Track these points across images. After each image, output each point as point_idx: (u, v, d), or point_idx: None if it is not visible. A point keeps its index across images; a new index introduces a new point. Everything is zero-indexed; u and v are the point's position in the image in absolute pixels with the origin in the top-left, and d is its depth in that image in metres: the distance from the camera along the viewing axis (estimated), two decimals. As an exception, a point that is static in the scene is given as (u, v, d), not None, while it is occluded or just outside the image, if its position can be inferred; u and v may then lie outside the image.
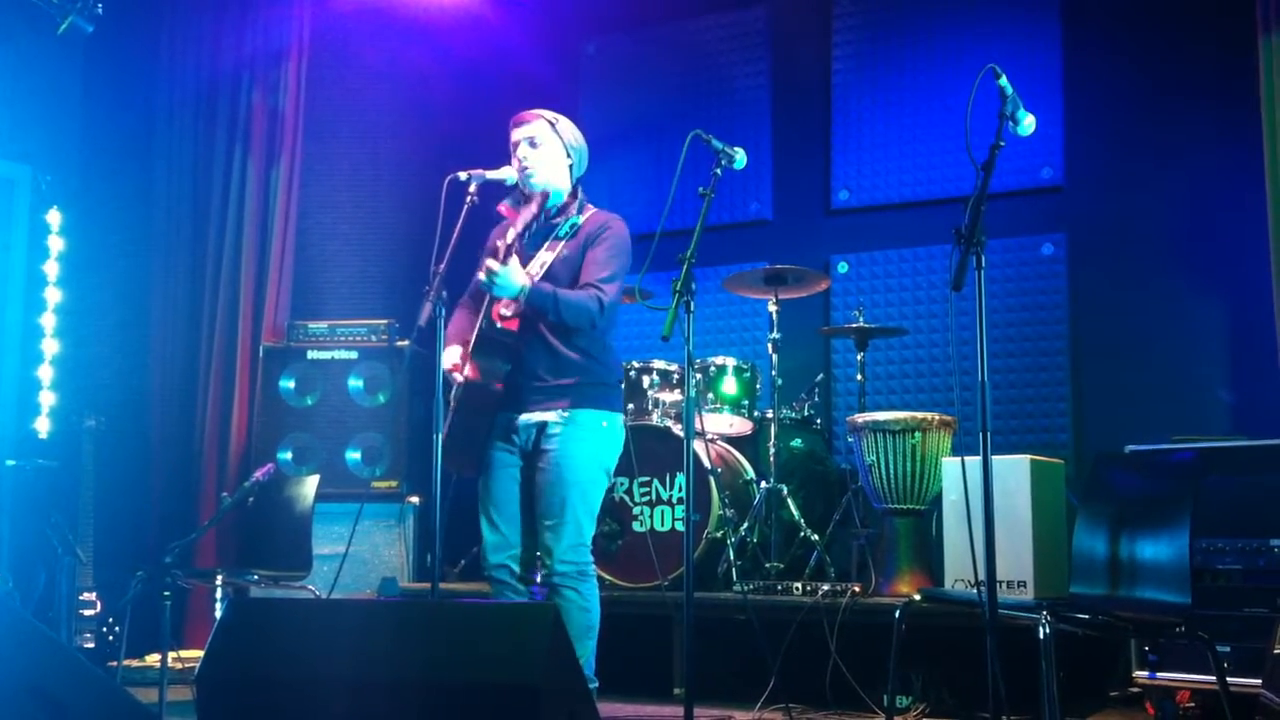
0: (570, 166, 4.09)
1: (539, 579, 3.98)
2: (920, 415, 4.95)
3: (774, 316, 5.51)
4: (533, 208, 3.80)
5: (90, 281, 6.75)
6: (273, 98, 6.85)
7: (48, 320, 6.51)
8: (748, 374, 5.60)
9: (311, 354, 6.28)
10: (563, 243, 3.95)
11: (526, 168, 4.01)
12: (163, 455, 6.71)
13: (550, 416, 3.91)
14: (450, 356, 3.99)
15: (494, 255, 3.97)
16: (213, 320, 6.73)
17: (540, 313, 3.81)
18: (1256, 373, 5.26)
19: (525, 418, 3.95)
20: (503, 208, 4.15)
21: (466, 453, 4.00)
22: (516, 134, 4.07)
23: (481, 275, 3.72)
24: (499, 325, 3.91)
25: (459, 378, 3.96)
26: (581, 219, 4.02)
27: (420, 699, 2.68)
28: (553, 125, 4.07)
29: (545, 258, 3.85)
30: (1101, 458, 4.04)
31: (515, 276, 3.72)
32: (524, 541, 3.98)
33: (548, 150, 4.03)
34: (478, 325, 3.93)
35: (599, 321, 3.86)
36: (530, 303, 3.77)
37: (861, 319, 5.66)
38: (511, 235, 3.75)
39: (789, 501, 5.23)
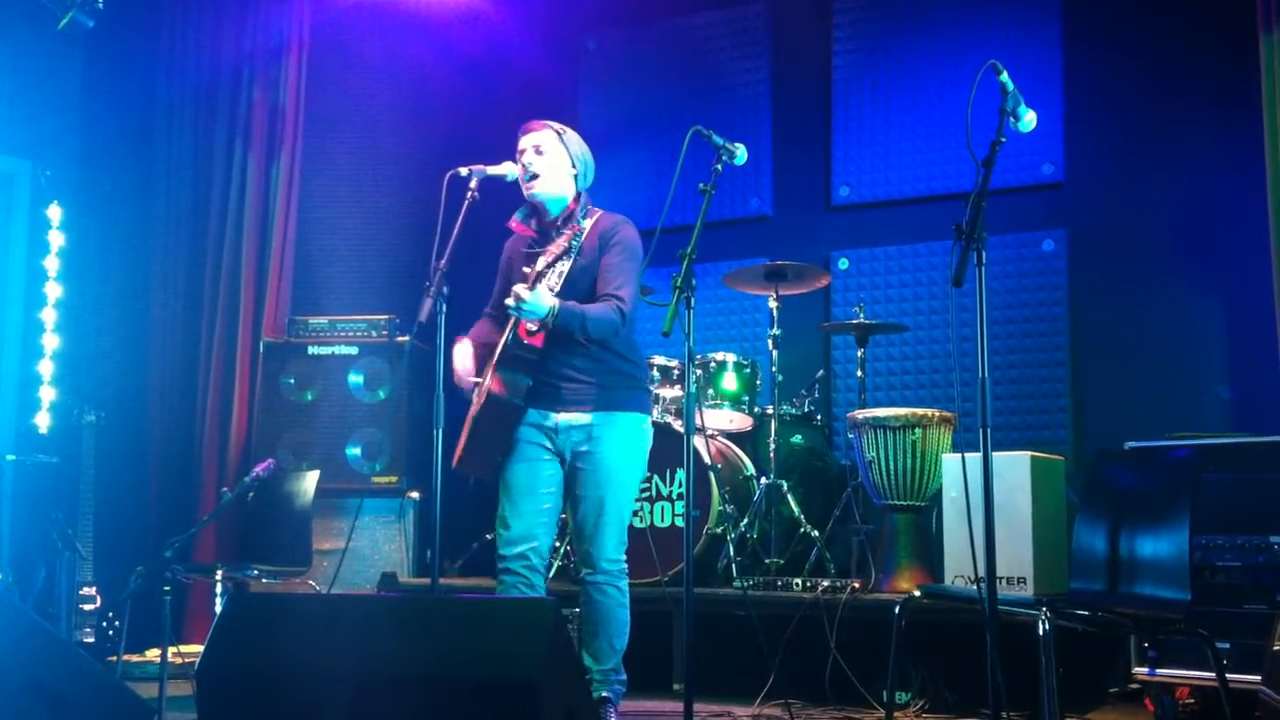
0: (575, 177, 4.09)
1: (582, 577, 4.01)
2: (920, 411, 4.94)
3: (774, 312, 5.51)
4: (563, 241, 3.79)
5: (90, 276, 6.76)
6: (273, 93, 6.85)
7: (48, 315, 6.51)
8: (748, 370, 5.60)
9: (312, 349, 6.28)
10: (573, 253, 3.96)
11: (533, 174, 4.03)
12: (163, 450, 6.71)
13: (584, 418, 3.96)
14: (462, 357, 4.04)
15: (519, 277, 4.00)
16: (213, 315, 6.73)
17: (568, 331, 3.84)
18: (1256, 369, 5.26)
19: (563, 418, 3.97)
20: (513, 223, 4.15)
21: (485, 459, 4.03)
22: (524, 141, 4.09)
23: (510, 302, 3.74)
24: (524, 340, 3.92)
25: (469, 381, 4.01)
26: (588, 223, 4.02)
27: (420, 694, 2.69)
28: (559, 135, 4.10)
29: (562, 267, 3.85)
30: (1101, 454, 4.04)
31: (543, 300, 3.74)
32: (545, 535, 4.00)
33: (552, 158, 4.05)
34: (503, 340, 3.95)
35: (621, 331, 3.92)
36: (559, 323, 3.79)
37: (862, 315, 5.66)
38: (542, 263, 3.75)
39: (789, 497, 5.23)
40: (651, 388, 5.42)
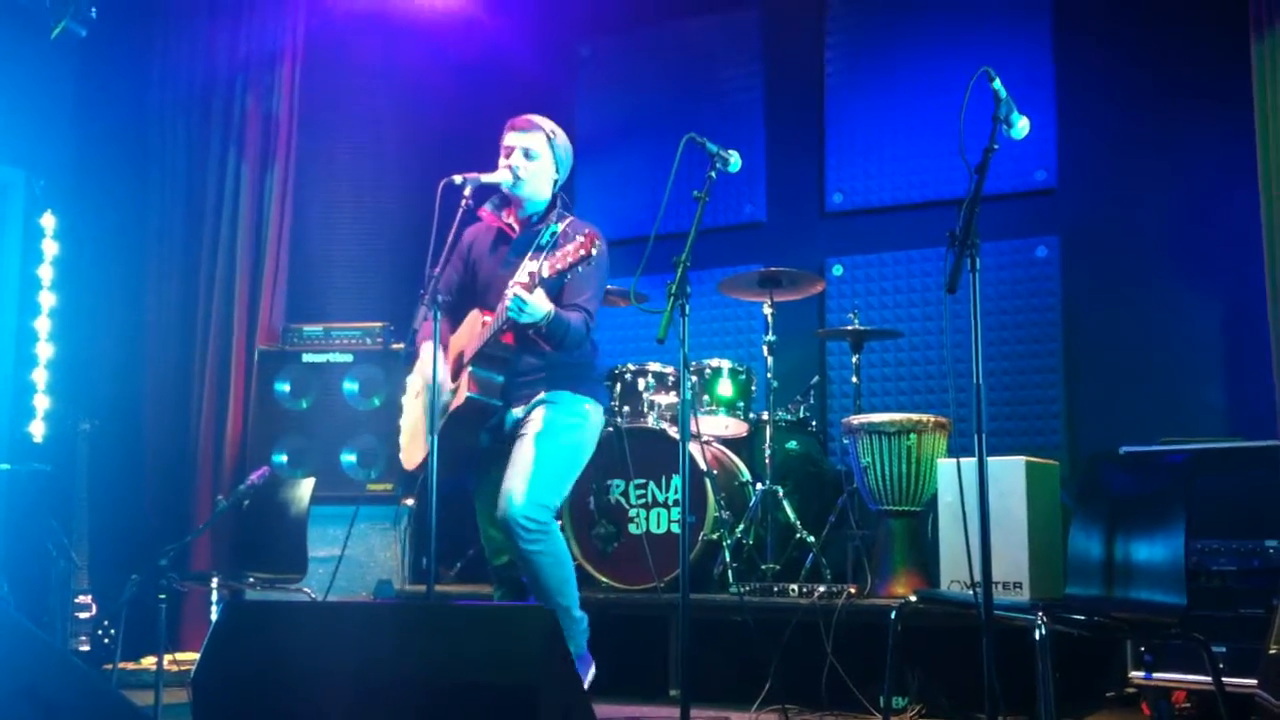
0: (555, 180, 4.19)
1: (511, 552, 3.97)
2: (915, 417, 4.95)
3: (769, 319, 5.51)
4: (578, 251, 3.69)
5: (85, 285, 6.74)
6: (267, 101, 6.85)
7: (42, 324, 6.49)
8: (743, 376, 5.60)
9: (306, 357, 6.28)
10: (545, 253, 3.98)
11: (519, 177, 4.06)
12: (158, 458, 6.69)
13: (533, 401, 4.02)
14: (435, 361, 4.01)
15: (485, 267, 4.01)
16: (208, 323, 6.72)
17: (550, 337, 3.86)
18: (1250, 374, 5.27)
19: (511, 413, 4.02)
20: (483, 212, 4.20)
21: (454, 463, 4.04)
22: (514, 139, 4.11)
23: (508, 301, 3.74)
24: (500, 340, 3.94)
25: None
26: (560, 227, 4.06)
27: (416, 701, 2.68)
28: (551, 139, 4.15)
29: (531, 267, 3.87)
30: (1096, 459, 4.05)
31: (542, 305, 3.78)
32: None
33: (542, 164, 4.13)
34: (482, 341, 3.95)
35: (585, 343, 3.99)
36: (550, 328, 3.81)
37: (856, 321, 5.67)
38: (548, 270, 3.75)
39: (784, 503, 5.23)
40: (645, 394, 5.43)
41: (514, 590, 4.13)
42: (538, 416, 3.97)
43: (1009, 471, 4.44)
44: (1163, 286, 5.65)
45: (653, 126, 6.76)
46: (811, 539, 5.17)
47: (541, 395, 4.01)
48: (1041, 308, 5.89)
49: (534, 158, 4.10)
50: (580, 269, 3.75)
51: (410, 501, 6.15)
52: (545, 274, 3.74)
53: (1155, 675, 4.15)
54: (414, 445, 4.23)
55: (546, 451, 3.93)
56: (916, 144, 6.26)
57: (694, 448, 5.09)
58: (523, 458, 3.91)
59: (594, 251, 3.69)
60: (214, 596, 5.31)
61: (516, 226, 4.18)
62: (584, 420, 4.06)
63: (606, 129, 6.93)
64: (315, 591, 5.41)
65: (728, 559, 5.06)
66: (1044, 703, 3.11)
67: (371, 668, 2.75)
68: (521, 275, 3.86)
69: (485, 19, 7.03)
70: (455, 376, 4.08)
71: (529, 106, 4.21)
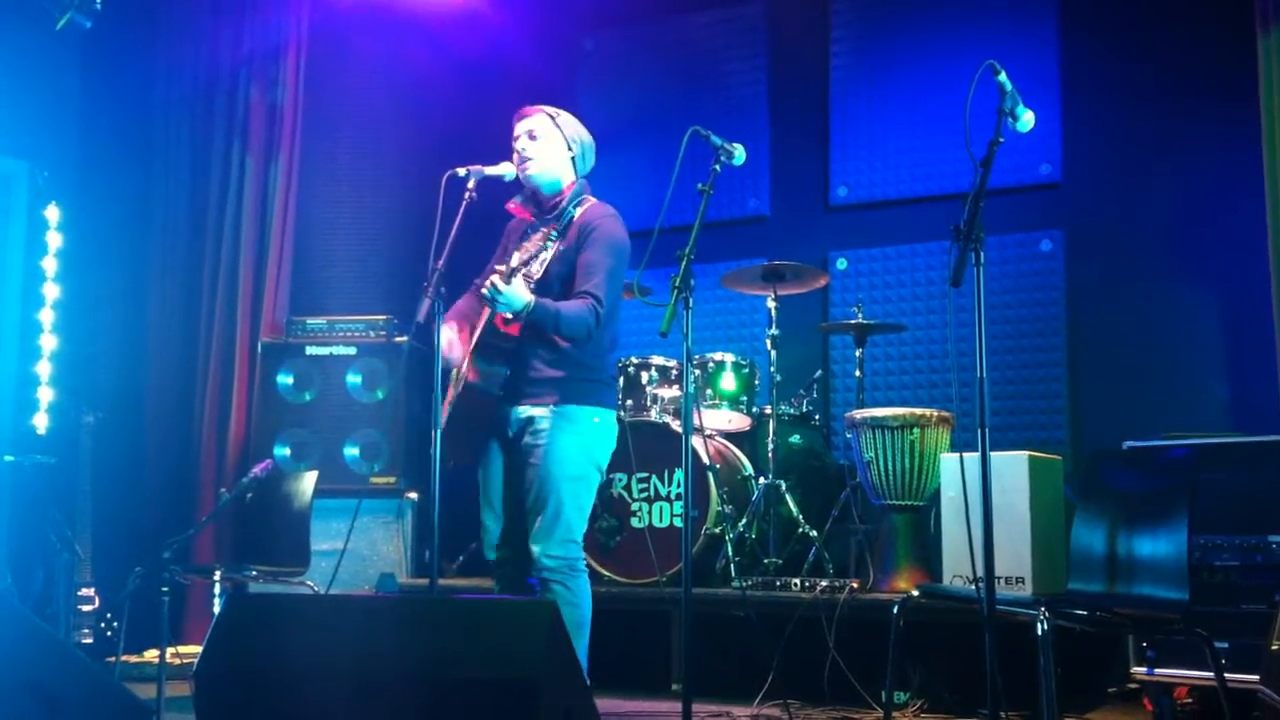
0: (574, 159, 4.10)
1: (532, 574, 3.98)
2: (918, 411, 4.95)
3: (772, 313, 5.51)
4: (538, 239, 3.75)
5: (88, 277, 6.75)
6: (271, 93, 6.84)
7: (46, 316, 6.50)
8: (746, 370, 5.60)
9: (310, 350, 6.28)
10: (558, 238, 3.95)
11: (526, 159, 4.02)
12: (161, 451, 6.70)
13: (540, 411, 3.91)
14: (446, 335, 3.97)
15: (509, 252, 4.00)
16: (211, 316, 6.72)
17: (541, 328, 3.81)
18: (1254, 369, 5.27)
19: (517, 410, 3.95)
20: (512, 206, 4.16)
21: (462, 444, 4.02)
22: (518, 128, 4.09)
23: (485, 291, 3.71)
24: (501, 330, 3.92)
25: (455, 356, 3.98)
26: (577, 211, 4.01)
27: (419, 695, 2.69)
28: (553, 118, 4.09)
29: (544, 256, 3.84)
30: (1099, 454, 4.05)
31: (519, 295, 3.70)
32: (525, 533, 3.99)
33: (546, 143, 4.05)
34: (480, 330, 3.94)
35: (594, 331, 3.86)
36: (533, 319, 3.76)
37: (860, 315, 5.66)
38: (517, 260, 3.73)
39: (787, 497, 5.23)
40: (648, 388, 5.43)
41: (512, 584, 4.12)
42: (549, 441, 3.88)
43: (1012, 466, 4.44)
44: (1167, 281, 5.64)
45: (656, 121, 6.74)
46: (814, 533, 5.17)
47: (550, 409, 3.91)
48: (1045, 302, 5.88)
49: (537, 137, 4.06)
50: (562, 252, 3.72)
51: (413, 495, 6.16)
52: (513, 264, 3.73)
53: (1157, 671, 4.15)
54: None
55: (565, 488, 3.87)
56: (921, 138, 6.25)
57: (697, 441, 5.09)
58: (540, 494, 3.86)
59: (547, 242, 3.68)
60: (217, 589, 5.32)
61: (536, 213, 4.14)
62: (596, 438, 3.98)
63: (610, 123, 6.89)
64: (318, 585, 5.42)
65: (730, 553, 5.06)
66: (1046, 698, 3.11)
67: (374, 661, 2.75)
68: (531, 264, 3.84)
69: (488, 13, 7.02)
70: (463, 363, 4.08)
71: (532, 100, 4.19)
